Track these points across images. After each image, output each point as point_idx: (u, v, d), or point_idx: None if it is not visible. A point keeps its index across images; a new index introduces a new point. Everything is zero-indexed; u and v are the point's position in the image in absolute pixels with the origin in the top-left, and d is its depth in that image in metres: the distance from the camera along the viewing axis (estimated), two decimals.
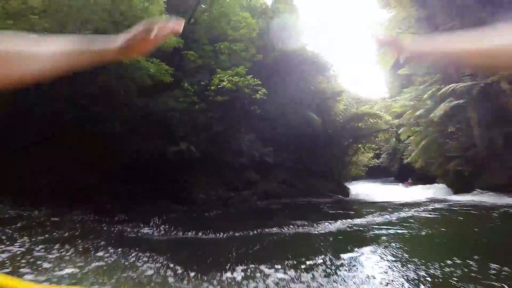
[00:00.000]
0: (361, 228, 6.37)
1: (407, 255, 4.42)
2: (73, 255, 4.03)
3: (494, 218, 7.27)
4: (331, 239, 5.54)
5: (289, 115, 13.87)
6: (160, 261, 4.12)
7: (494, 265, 3.81)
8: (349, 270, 3.86)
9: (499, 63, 0.47)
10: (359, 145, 17.95)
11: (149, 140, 8.86)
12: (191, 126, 9.88)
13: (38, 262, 3.70)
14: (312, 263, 4.02)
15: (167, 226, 6.46)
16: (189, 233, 6.00)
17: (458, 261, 3.96)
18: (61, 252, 4.08)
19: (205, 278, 3.57)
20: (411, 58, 0.59)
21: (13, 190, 6.52)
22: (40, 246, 4.21)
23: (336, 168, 16.57)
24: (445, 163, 14.54)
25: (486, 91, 11.72)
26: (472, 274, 3.63)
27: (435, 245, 5.19)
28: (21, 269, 3.49)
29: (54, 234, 5.05)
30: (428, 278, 3.48)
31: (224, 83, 9.78)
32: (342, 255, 4.35)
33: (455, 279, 3.45)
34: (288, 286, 3.39)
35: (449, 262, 3.92)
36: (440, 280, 3.45)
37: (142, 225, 6.40)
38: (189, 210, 8.73)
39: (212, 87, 9.92)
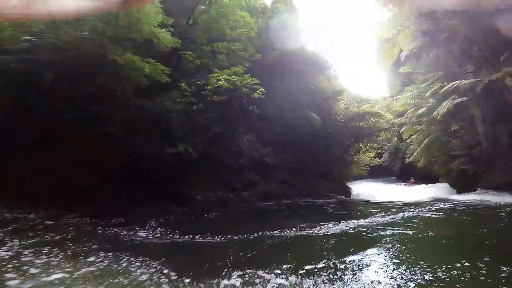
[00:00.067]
0: (364, 230, 6.18)
1: (413, 258, 4.24)
2: (62, 260, 3.86)
3: (502, 218, 7.06)
4: (333, 241, 5.36)
5: (288, 115, 13.73)
6: (154, 266, 3.96)
7: (505, 267, 3.63)
8: (353, 276, 3.67)
9: None
10: (361, 145, 17.82)
11: (148, 141, 8.82)
12: (189, 127, 9.77)
13: (24, 268, 3.54)
14: (314, 267, 3.86)
15: (163, 229, 6.30)
16: (186, 236, 5.83)
17: (467, 264, 3.78)
18: (50, 257, 3.91)
19: (202, 286, 3.40)
20: None
21: (13, 190, 6.46)
22: (29, 250, 4.05)
23: (337, 168, 16.40)
24: (448, 162, 14.35)
25: (490, 87, 11.49)
26: (482, 277, 3.45)
27: (443, 247, 5.01)
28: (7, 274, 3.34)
29: (45, 237, 4.88)
30: (436, 283, 3.29)
31: (221, 82, 9.65)
32: (345, 259, 4.17)
33: (462, 284, 3.26)
34: None
35: (457, 265, 3.74)
36: (449, 285, 3.27)
37: (138, 228, 6.24)
38: (189, 211, 8.60)
39: (209, 87, 9.79)
